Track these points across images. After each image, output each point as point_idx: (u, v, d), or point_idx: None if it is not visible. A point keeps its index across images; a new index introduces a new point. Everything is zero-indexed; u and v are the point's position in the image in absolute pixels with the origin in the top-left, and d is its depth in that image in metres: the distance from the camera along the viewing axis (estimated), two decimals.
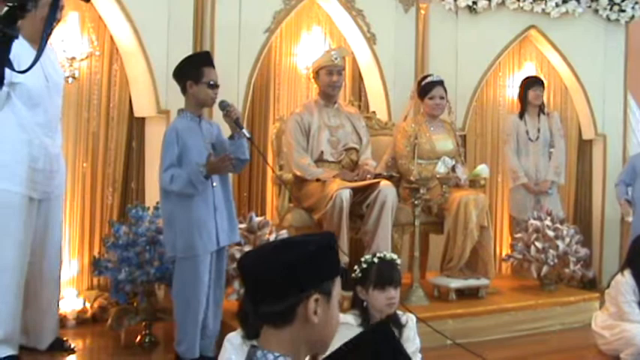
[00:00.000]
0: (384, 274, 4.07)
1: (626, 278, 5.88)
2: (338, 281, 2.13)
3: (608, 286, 6.16)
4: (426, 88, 6.89)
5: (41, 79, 5.12)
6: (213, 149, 5.22)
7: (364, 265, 4.13)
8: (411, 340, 4.25)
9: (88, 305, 6.31)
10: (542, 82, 7.95)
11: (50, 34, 5.20)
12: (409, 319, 4.30)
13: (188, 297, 5.10)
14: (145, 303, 5.70)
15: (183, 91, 5.25)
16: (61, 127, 5.55)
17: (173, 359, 5.31)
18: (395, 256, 4.25)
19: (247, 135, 5.27)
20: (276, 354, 2.04)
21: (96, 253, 6.27)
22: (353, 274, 4.16)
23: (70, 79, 6.16)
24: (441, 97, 6.89)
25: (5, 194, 4.99)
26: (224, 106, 5.25)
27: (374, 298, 4.08)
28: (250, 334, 3.77)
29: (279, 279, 2.06)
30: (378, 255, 4.18)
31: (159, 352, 5.74)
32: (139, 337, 5.78)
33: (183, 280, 5.13)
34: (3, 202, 5.00)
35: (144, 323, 5.76)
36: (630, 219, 7.80)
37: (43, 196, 5.29)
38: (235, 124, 5.22)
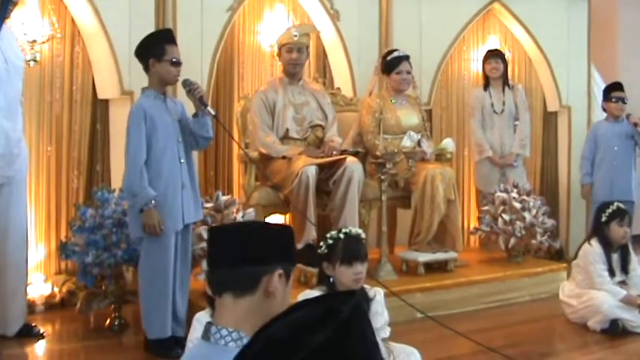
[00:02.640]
0: (351, 250, 4.07)
1: (594, 247, 5.95)
2: (293, 271, 2.20)
3: (576, 257, 6.22)
4: (392, 63, 6.89)
5: (0, 62, 5.07)
6: (179, 126, 5.22)
7: (330, 241, 4.12)
8: (380, 313, 4.26)
9: (56, 290, 6.27)
10: (499, 54, 7.94)
11: (7, 17, 5.18)
12: (377, 293, 4.32)
13: (155, 277, 5.10)
14: (114, 286, 5.68)
15: (146, 69, 5.22)
16: (22, 111, 5.50)
17: (143, 341, 5.31)
18: (360, 231, 4.24)
19: (212, 112, 5.27)
20: (230, 329, 2.05)
21: (62, 237, 6.22)
22: (319, 250, 4.16)
23: (32, 63, 6.07)
24: (408, 72, 6.91)
25: None
26: (187, 84, 5.24)
27: (341, 273, 4.07)
28: None
29: (254, 245, 2.12)
30: (343, 231, 4.17)
31: (129, 334, 5.73)
32: (108, 321, 5.76)
33: (150, 260, 5.13)
34: None
35: (113, 306, 5.74)
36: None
37: (4, 180, 5.25)
38: (199, 101, 5.20)
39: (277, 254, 2.12)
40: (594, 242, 5.97)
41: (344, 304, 1.34)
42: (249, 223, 2.34)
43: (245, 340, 1.99)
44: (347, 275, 4.06)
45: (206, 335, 2.10)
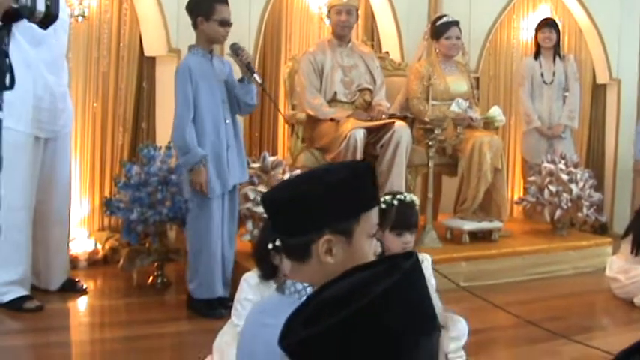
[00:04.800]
0: (403, 219, 3.97)
1: None
2: (368, 216, 2.03)
3: (626, 233, 6.11)
4: (441, 28, 6.80)
5: None
6: (225, 87, 5.18)
7: (383, 206, 4.03)
8: (427, 279, 4.20)
9: (99, 246, 6.29)
10: (553, 23, 7.79)
11: None
12: (424, 259, 4.25)
13: (202, 237, 5.10)
14: (157, 244, 5.70)
15: (194, 26, 5.17)
16: (67, 66, 5.48)
17: (185, 300, 5.32)
18: (415, 198, 4.12)
19: (259, 80, 5.21)
20: (305, 284, 2.02)
21: (107, 193, 6.24)
22: None
23: (80, 18, 6.07)
24: (457, 38, 6.82)
25: (11, 133, 4.91)
26: (235, 49, 5.18)
27: (390, 240, 4.00)
28: (267, 273, 3.77)
29: (290, 214, 2.03)
30: (398, 197, 4.07)
31: (171, 292, 5.75)
32: (151, 278, 5.78)
33: (197, 221, 5.13)
34: (8, 141, 4.91)
35: (156, 264, 5.76)
36: None
37: (50, 134, 5.25)
38: (247, 67, 5.15)
39: (323, 218, 1.98)
40: None
41: (404, 260, 1.37)
42: (292, 185, 2.15)
43: None
44: (395, 243, 3.98)
45: (281, 288, 2.08)
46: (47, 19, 3.79)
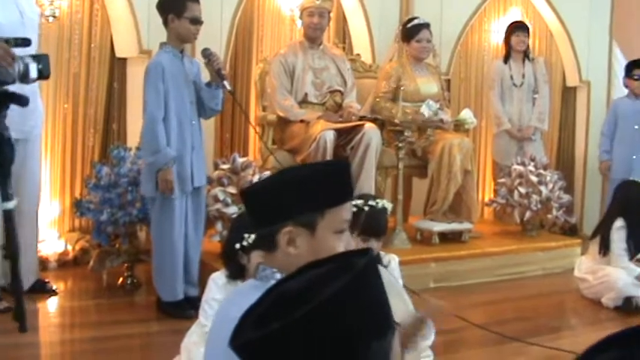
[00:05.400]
0: (372, 225, 3.89)
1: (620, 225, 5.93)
2: (335, 212, 2.07)
3: (594, 235, 6.17)
4: (412, 30, 6.83)
5: (15, 14, 5.02)
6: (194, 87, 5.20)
7: (354, 209, 4.01)
8: (395, 280, 4.21)
9: (69, 247, 6.26)
10: (526, 27, 7.87)
11: None
12: (392, 260, 4.26)
13: (164, 238, 5.10)
14: (127, 244, 5.68)
15: (165, 24, 5.16)
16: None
17: (155, 301, 5.31)
18: (388, 205, 4.04)
19: (228, 87, 5.22)
20: (274, 270, 2.08)
21: (77, 194, 6.21)
22: None
23: (51, 19, 6.04)
24: (428, 41, 6.84)
25: None
26: (207, 54, 5.19)
27: (356, 245, 3.99)
28: (234, 273, 3.77)
29: (258, 205, 2.12)
30: (370, 202, 4.00)
31: (141, 293, 5.74)
32: (121, 279, 5.77)
33: (160, 222, 5.13)
34: None
35: (126, 265, 5.75)
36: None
37: (20, 135, 5.21)
38: (217, 74, 5.15)
39: (287, 210, 2.05)
40: (619, 221, 5.94)
41: (359, 258, 1.36)
42: (265, 180, 2.28)
43: None
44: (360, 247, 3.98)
45: (255, 274, 2.16)
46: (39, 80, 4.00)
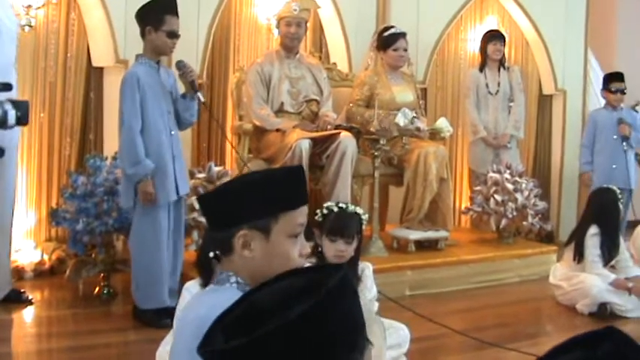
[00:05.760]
0: (338, 225, 4.01)
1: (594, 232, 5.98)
2: (289, 217, 2.11)
3: (569, 241, 6.22)
4: (389, 39, 6.86)
5: None
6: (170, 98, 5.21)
7: (325, 211, 4.10)
8: (368, 288, 4.25)
9: (45, 257, 6.25)
10: (502, 36, 7.94)
11: None
12: (366, 267, 4.30)
13: (147, 248, 5.09)
14: (104, 254, 5.67)
15: (142, 35, 5.16)
16: (15, 76, 5.44)
17: (131, 310, 5.31)
18: (358, 211, 4.14)
19: (202, 99, 5.25)
20: (229, 273, 2.12)
21: (54, 203, 6.19)
22: (315, 217, 4.11)
23: (27, 28, 6.03)
24: (404, 49, 6.88)
25: None
26: (180, 66, 5.20)
27: (325, 245, 4.04)
28: (208, 282, 3.77)
29: (214, 209, 2.17)
30: (340, 205, 4.13)
31: (117, 303, 5.73)
32: (97, 289, 5.75)
33: (142, 232, 5.12)
34: None
35: (102, 275, 5.74)
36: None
37: None
38: (190, 85, 5.18)
39: (241, 214, 2.09)
40: (594, 228, 5.98)
41: (330, 277, 1.34)
42: (217, 187, 2.35)
43: (247, 288, 2.03)
44: (329, 249, 4.02)
45: (214, 280, 2.21)
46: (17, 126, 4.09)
